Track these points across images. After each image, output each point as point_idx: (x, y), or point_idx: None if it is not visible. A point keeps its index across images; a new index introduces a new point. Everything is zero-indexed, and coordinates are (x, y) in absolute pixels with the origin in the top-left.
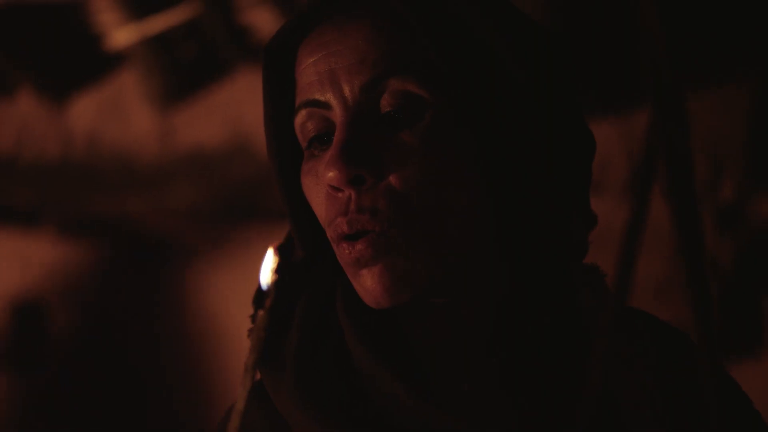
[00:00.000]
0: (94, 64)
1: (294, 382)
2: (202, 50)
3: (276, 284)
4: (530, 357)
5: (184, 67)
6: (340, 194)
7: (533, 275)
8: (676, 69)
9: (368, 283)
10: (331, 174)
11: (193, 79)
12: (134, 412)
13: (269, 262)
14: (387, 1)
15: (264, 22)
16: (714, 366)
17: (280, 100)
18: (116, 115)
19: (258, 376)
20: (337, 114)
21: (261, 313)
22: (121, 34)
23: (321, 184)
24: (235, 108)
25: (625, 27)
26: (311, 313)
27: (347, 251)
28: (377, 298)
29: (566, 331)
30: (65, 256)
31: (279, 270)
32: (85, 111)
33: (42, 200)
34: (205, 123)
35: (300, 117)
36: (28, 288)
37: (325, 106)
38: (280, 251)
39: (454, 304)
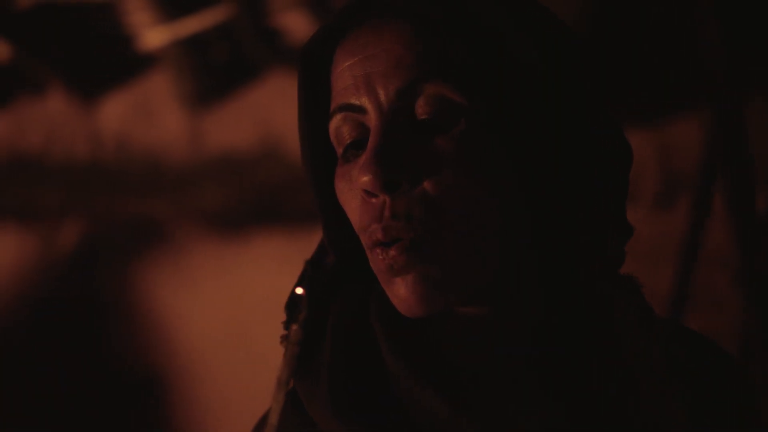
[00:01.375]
0: (125, 64)
1: (328, 392)
2: (233, 53)
3: (306, 298)
4: (566, 368)
5: (214, 70)
6: (374, 200)
7: (569, 285)
8: (735, 76)
9: (401, 292)
10: (365, 179)
11: (224, 82)
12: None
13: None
14: (422, 5)
15: (295, 25)
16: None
17: (314, 104)
18: (146, 116)
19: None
20: (372, 118)
21: (294, 327)
22: (153, 36)
23: (355, 189)
24: (265, 111)
25: (662, 36)
26: (344, 322)
27: (381, 258)
28: (411, 307)
29: (600, 342)
30: (83, 255)
31: (309, 284)
32: (115, 112)
33: (69, 200)
34: (234, 126)
35: (335, 121)
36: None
37: (360, 110)
38: (311, 265)
39: (488, 314)
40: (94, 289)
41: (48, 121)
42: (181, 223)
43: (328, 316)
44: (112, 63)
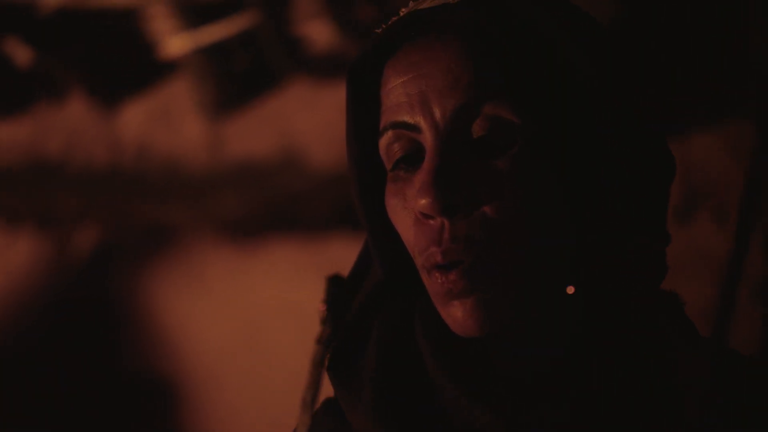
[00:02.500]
0: (147, 71)
1: (373, 403)
2: (255, 61)
3: (326, 316)
4: (608, 385)
5: (236, 78)
6: (431, 222)
7: (611, 301)
8: None
9: (459, 315)
10: (423, 202)
11: (245, 90)
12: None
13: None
14: (478, 23)
15: (318, 34)
16: None
17: (363, 119)
18: (166, 123)
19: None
20: (428, 138)
21: (318, 347)
22: (175, 43)
23: (409, 208)
24: (286, 120)
25: (683, 47)
26: (389, 334)
27: (440, 282)
28: (466, 330)
29: (642, 360)
30: (99, 260)
31: (331, 301)
32: (135, 118)
33: (87, 205)
34: (255, 134)
35: (386, 138)
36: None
37: (415, 128)
38: (333, 283)
39: (534, 327)
40: (109, 295)
41: (68, 126)
42: (198, 230)
43: (371, 328)
44: (134, 69)
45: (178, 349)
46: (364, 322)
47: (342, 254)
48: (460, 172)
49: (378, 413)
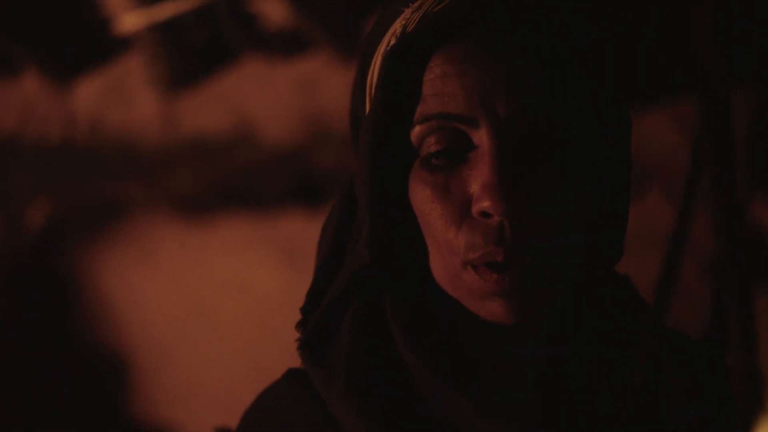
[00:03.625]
0: (101, 47)
1: (346, 384)
2: (209, 37)
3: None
4: (576, 369)
5: (190, 54)
6: (488, 220)
7: (589, 287)
8: (725, 68)
9: (499, 311)
10: (488, 203)
11: (199, 66)
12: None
13: None
14: (550, 23)
15: (272, 11)
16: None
17: (395, 101)
18: (120, 99)
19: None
20: (486, 134)
21: None
22: (129, 19)
23: (454, 202)
24: (239, 96)
25: (634, 28)
26: (364, 316)
27: (491, 279)
28: (500, 320)
29: (611, 345)
30: (51, 236)
31: (303, 312)
32: (89, 94)
33: (40, 180)
34: (208, 110)
35: (426, 127)
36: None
37: (471, 122)
38: (308, 296)
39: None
40: (61, 270)
41: (22, 102)
42: (150, 205)
43: (347, 309)
44: (88, 45)
45: (130, 324)
46: (339, 308)
47: (293, 230)
48: (521, 174)
49: (351, 396)
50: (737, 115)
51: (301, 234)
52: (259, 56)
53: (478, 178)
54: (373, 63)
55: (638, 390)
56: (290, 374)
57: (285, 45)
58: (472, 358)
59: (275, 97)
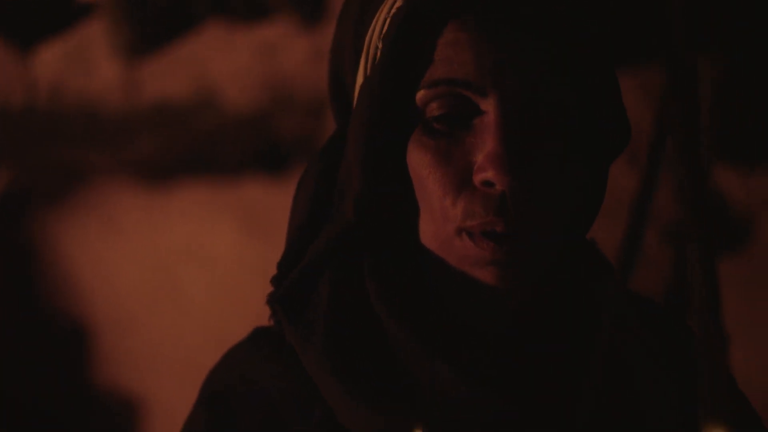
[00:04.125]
0: (62, 13)
1: (324, 344)
2: (171, 3)
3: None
4: (550, 329)
5: (152, 19)
6: (490, 190)
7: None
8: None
9: (490, 278)
10: (492, 173)
11: (161, 32)
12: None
13: None
14: (557, 3)
15: None
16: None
17: (402, 66)
18: (82, 65)
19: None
20: (495, 105)
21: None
22: None
23: (455, 168)
24: (201, 62)
25: None
26: (343, 279)
27: (487, 248)
28: (489, 286)
29: (574, 302)
30: (12, 202)
31: (275, 283)
32: (51, 60)
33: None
34: (170, 76)
35: (433, 91)
36: None
37: (479, 90)
38: (279, 267)
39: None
40: (21, 237)
41: None
42: (112, 171)
43: (325, 270)
44: (49, 11)
45: (92, 291)
46: (318, 269)
47: (255, 196)
48: (526, 147)
49: (328, 359)
50: (701, 81)
51: (263, 200)
52: (222, 22)
53: (482, 148)
54: (373, 25)
55: (606, 350)
56: (258, 333)
57: (248, 10)
58: (449, 322)
59: (238, 62)
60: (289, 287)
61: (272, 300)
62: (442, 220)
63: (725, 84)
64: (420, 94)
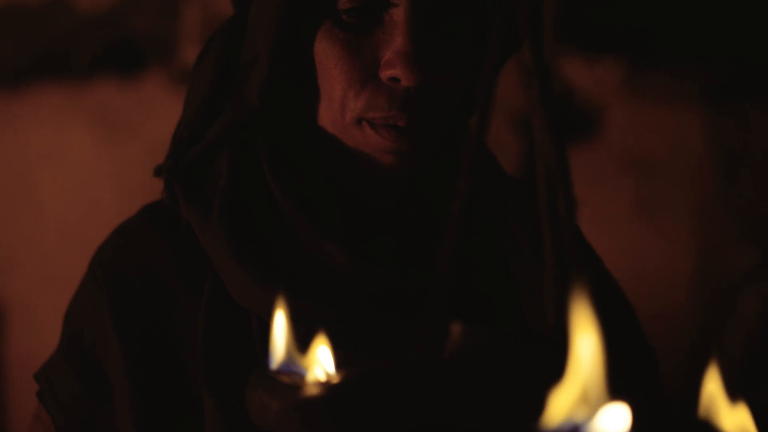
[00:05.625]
0: None
1: (220, 218)
2: None
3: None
4: (432, 211)
5: None
6: (395, 85)
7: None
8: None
9: (385, 164)
10: (399, 71)
11: None
12: None
13: None
14: None
15: None
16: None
17: None
18: None
19: None
20: (405, 5)
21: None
22: None
23: (359, 60)
24: None
25: None
26: (242, 160)
27: (388, 139)
28: (385, 173)
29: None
30: None
31: (170, 160)
32: None
33: None
34: None
35: None
36: None
37: None
38: (174, 145)
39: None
40: None
41: None
42: None
43: (223, 151)
44: None
45: None
46: (216, 149)
47: (108, 98)
48: (431, 46)
49: (224, 234)
50: None
51: (117, 101)
52: None
53: (391, 44)
54: None
55: (488, 232)
56: (148, 209)
57: None
58: (340, 203)
59: None
60: (188, 165)
61: (170, 177)
62: (342, 109)
63: None
64: None
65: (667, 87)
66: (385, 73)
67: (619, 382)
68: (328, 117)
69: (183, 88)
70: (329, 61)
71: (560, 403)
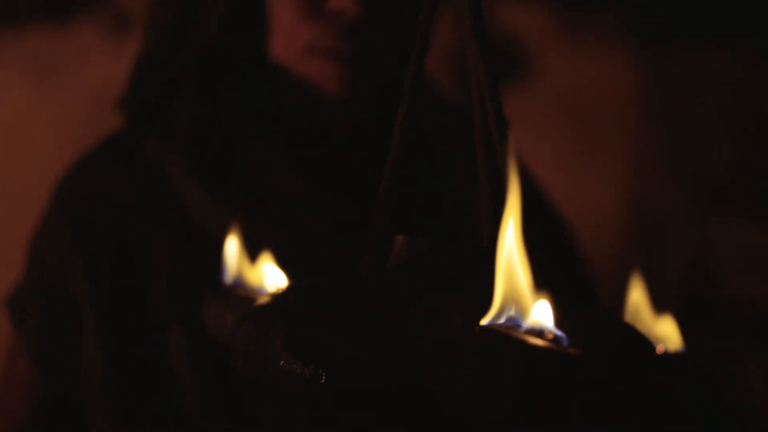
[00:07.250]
0: None
1: (186, 149)
2: None
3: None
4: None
5: None
6: (343, 17)
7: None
8: None
9: (334, 89)
10: (346, 4)
11: None
12: None
13: None
14: None
15: None
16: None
17: None
18: None
19: None
20: None
21: None
22: None
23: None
24: None
25: None
26: (204, 93)
27: (336, 67)
28: (333, 98)
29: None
30: None
31: (132, 89)
32: None
33: None
34: None
35: None
36: None
37: None
38: (137, 75)
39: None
40: None
41: None
42: None
43: (187, 83)
44: None
45: None
46: (175, 83)
47: (42, 47)
48: None
49: (191, 161)
50: None
51: (49, 51)
52: None
53: None
54: None
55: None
56: (111, 141)
57: None
58: (296, 132)
59: None
60: (152, 94)
61: (134, 107)
62: (292, 40)
63: None
64: None
65: (603, 29)
66: (333, 5)
67: (549, 278)
68: (278, 45)
69: (118, 35)
70: None
71: (495, 300)
